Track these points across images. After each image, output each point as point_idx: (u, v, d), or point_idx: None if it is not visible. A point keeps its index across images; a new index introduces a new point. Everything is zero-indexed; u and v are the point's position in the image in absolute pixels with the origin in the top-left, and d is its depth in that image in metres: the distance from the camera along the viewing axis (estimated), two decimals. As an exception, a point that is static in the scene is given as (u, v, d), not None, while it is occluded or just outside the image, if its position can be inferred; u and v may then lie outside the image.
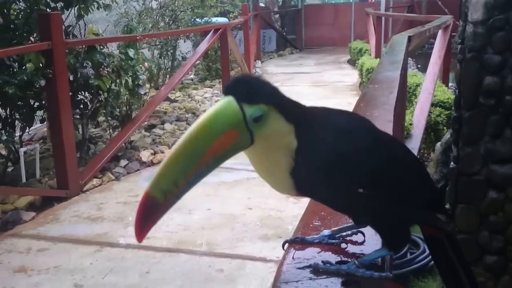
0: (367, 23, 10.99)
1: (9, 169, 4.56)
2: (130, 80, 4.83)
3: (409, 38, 3.79)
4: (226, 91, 0.75)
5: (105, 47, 4.89)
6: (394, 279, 0.81)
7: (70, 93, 4.39)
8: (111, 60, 4.74)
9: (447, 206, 3.15)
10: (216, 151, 0.75)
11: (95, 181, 4.45)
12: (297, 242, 0.89)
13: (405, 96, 3.65)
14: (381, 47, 9.05)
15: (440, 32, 5.95)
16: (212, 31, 7.08)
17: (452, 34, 6.17)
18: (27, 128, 4.66)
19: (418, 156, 4.56)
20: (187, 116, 6.70)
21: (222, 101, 0.75)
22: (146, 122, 5.98)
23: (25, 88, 4.03)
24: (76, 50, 4.61)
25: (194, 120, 5.24)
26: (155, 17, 8.29)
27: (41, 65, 4.01)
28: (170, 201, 0.77)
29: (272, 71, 10.90)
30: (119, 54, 4.79)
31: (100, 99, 4.87)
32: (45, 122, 4.92)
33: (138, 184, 4.47)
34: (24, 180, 4.32)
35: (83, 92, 4.83)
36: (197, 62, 8.38)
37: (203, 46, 6.91)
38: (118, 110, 5.16)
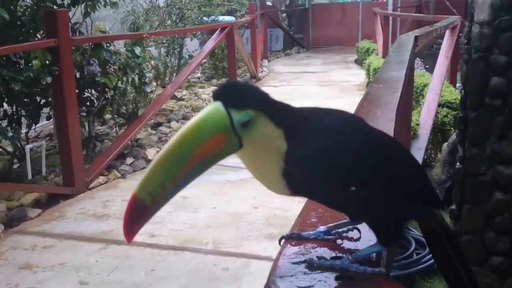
0: (375, 23, 10.95)
1: (15, 166, 4.58)
2: (136, 78, 4.84)
3: (416, 38, 3.77)
4: (214, 97, 0.76)
5: (112, 44, 4.91)
6: (387, 274, 0.82)
7: (77, 91, 4.40)
8: (118, 57, 4.75)
9: (453, 207, 3.13)
10: (204, 155, 0.76)
11: (101, 179, 4.47)
12: (293, 238, 0.91)
13: (412, 96, 3.63)
14: (389, 47, 9.01)
15: (447, 33, 5.92)
16: (218, 30, 7.08)
17: (460, 34, 6.12)
18: (33, 125, 4.68)
19: (425, 157, 4.55)
20: (193, 114, 6.69)
21: (209, 106, 0.76)
22: (152, 120, 6.00)
23: (31, 85, 4.06)
24: (83, 47, 4.63)
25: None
26: (162, 15, 8.30)
27: (47, 62, 4.03)
28: (158, 203, 0.78)
29: (279, 70, 10.89)
30: (126, 52, 4.80)
31: (106, 96, 4.88)
32: (52, 119, 4.94)
33: (144, 182, 4.48)
34: (30, 177, 4.34)
35: (89, 90, 4.85)
36: (204, 60, 8.38)
37: (210, 44, 6.91)
38: (124, 108, 5.17)
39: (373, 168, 0.82)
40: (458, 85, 6.21)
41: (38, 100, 4.48)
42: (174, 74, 8.11)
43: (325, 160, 0.78)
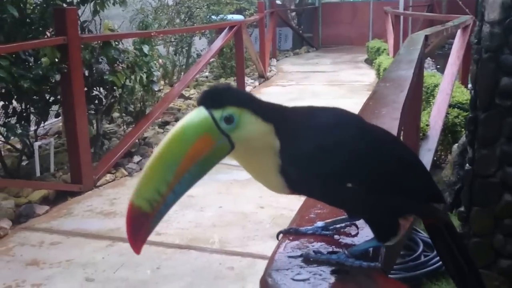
0: (386, 22, 10.87)
1: (24, 163, 4.61)
2: (144, 77, 4.85)
3: (426, 37, 3.73)
4: (198, 103, 0.78)
5: (121, 43, 4.92)
6: (383, 269, 0.82)
7: (85, 89, 4.42)
8: (126, 56, 4.76)
9: (462, 209, 3.09)
10: (194, 158, 0.76)
11: (108, 177, 4.49)
12: (291, 233, 0.91)
13: (421, 97, 3.59)
14: (400, 47, 8.95)
15: (459, 32, 5.86)
16: (227, 28, 7.06)
17: (472, 34, 6.06)
18: (42, 122, 4.71)
19: (435, 158, 4.51)
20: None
21: (193, 111, 0.78)
22: (160, 119, 6.01)
23: (40, 83, 4.08)
24: (92, 45, 4.65)
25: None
26: (170, 13, 8.32)
27: (56, 59, 4.05)
28: (158, 209, 0.78)
29: (288, 69, 10.86)
30: (134, 50, 4.81)
31: (114, 95, 4.90)
32: (60, 117, 4.97)
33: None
34: (38, 174, 4.37)
35: (98, 88, 4.87)
36: (212, 59, 8.37)
37: (218, 43, 6.90)
38: (132, 106, 5.19)
39: (368, 164, 0.82)
40: (469, 85, 6.14)
41: (47, 97, 4.50)
42: (182, 73, 8.12)
43: (320, 157, 0.78)
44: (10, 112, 4.32)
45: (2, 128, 4.27)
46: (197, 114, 0.76)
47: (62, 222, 3.70)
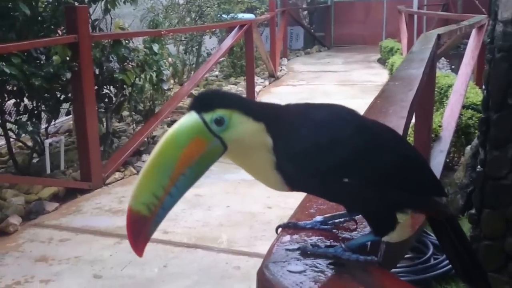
0: (399, 21, 10.76)
1: (35, 160, 4.65)
2: (154, 75, 4.86)
3: (439, 36, 3.68)
4: (189, 108, 0.80)
5: (131, 41, 4.94)
6: (379, 262, 0.83)
7: (96, 87, 4.44)
8: (136, 54, 4.78)
9: (473, 211, 3.05)
10: (188, 161, 0.78)
11: (117, 175, 4.50)
12: (290, 227, 0.93)
13: (433, 97, 3.55)
14: (413, 46, 8.85)
15: (474, 32, 5.77)
16: (237, 27, 7.03)
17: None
18: (53, 120, 4.74)
19: (447, 160, 4.45)
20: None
21: (184, 116, 0.80)
22: (169, 118, 6.02)
23: (51, 81, 4.10)
24: (102, 44, 4.67)
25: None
26: (181, 12, 8.32)
27: (67, 58, 4.07)
28: (156, 213, 0.79)
29: (298, 69, 10.80)
30: (144, 49, 4.82)
31: (124, 93, 4.92)
32: (71, 115, 5.00)
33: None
34: (48, 171, 4.41)
35: (108, 86, 4.89)
36: (222, 58, 8.34)
37: (228, 42, 6.87)
38: (141, 105, 5.21)
39: (364, 159, 0.82)
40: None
41: (58, 95, 4.53)
42: (192, 72, 8.14)
43: (314, 153, 0.79)
44: (22, 110, 4.36)
45: (14, 125, 4.31)
46: (188, 119, 0.78)
47: (71, 219, 3.73)
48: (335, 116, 0.86)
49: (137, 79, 4.73)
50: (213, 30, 8.66)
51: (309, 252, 0.83)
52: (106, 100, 4.85)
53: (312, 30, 14.70)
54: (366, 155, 0.83)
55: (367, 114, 1.35)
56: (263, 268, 0.78)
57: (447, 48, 7.92)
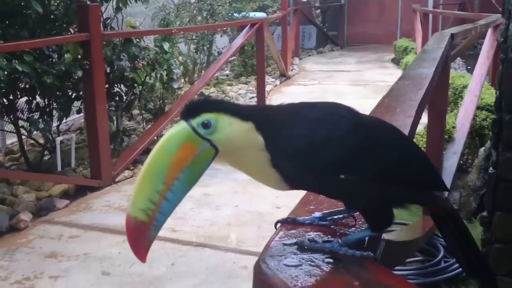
0: (414, 20, 10.63)
1: (46, 158, 4.69)
2: (164, 74, 4.87)
3: (452, 36, 3.63)
4: (179, 118, 0.84)
5: (142, 40, 4.95)
6: (376, 258, 0.83)
7: (106, 85, 4.47)
8: (147, 53, 4.79)
9: (485, 213, 2.99)
10: (180, 166, 0.80)
11: (126, 173, 4.52)
12: (288, 222, 0.94)
13: (446, 97, 3.49)
14: (427, 46, 8.74)
15: (489, 31, 5.68)
16: (248, 26, 7.00)
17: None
18: (64, 118, 4.78)
19: (461, 162, 4.40)
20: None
21: (174, 125, 0.84)
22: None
23: (63, 78, 4.13)
24: (113, 42, 4.69)
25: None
26: (192, 11, 8.33)
27: (79, 56, 4.09)
28: (155, 217, 0.81)
29: (310, 68, 10.74)
30: (155, 48, 4.83)
31: (135, 92, 4.94)
32: (82, 113, 5.04)
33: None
34: (59, 168, 4.44)
35: (118, 85, 4.91)
36: (233, 57, 8.31)
37: (238, 40, 6.85)
38: (152, 103, 5.22)
39: (360, 155, 0.83)
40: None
41: (70, 93, 4.56)
42: (203, 71, 8.14)
43: (309, 149, 0.80)
44: (34, 107, 4.40)
45: (26, 122, 4.35)
46: (176, 127, 0.82)
47: (81, 216, 3.76)
48: (330, 112, 0.86)
49: (147, 77, 4.74)
50: (224, 29, 8.64)
51: (306, 247, 0.84)
52: (117, 98, 4.87)
53: (325, 29, 14.54)
54: (362, 151, 0.83)
55: (374, 113, 1.33)
56: (260, 262, 0.79)
57: (463, 48, 7.81)
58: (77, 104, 4.82)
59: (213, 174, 3.92)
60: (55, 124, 4.73)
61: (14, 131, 4.48)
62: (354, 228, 0.93)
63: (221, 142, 0.81)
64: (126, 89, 4.89)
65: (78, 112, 5.03)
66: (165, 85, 5.06)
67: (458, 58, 8.92)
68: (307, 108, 0.86)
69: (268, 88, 8.08)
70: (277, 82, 9.05)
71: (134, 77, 4.59)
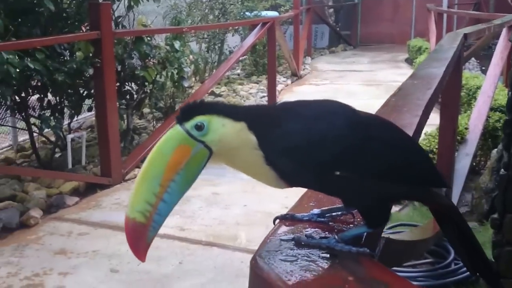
0: (428, 20, 10.51)
1: (57, 155, 4.73)
2: (175, 73, 4.88)
3: (465, 36, 3.58)
4: (175, 121, 0.85)
5: (153, 38, 4.96)
6: (372, 255, 0.84)
7: (117, 84, 4.48)
8: (158, 51, 4.80)
9: (495, 215, 2.94)
10: (176, 168, 0.82)
11: (136, 171, 4.53)
12: (287, 218, 0.95)
13: (458, 97, 3.45)
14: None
15: (504, 31, 5.59)
16: (259, 25, 6.97)
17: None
18: (76, 116, 4.81)
19: (474, 164, 4.34)
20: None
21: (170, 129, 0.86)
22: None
23: (74, 76, 4.16)
24: (125, 40, 4.70)
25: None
26: (204, 10, 8.33)
27: (90, 54, 4.12)
28: (153, 218, 0.83)
29: (322, 68, 10.68)
30: (165, 46, 4.84)
31: (145, 90, 4.95)
32: (93, 111, 5.07)
33: (178, 176, 4.53)
34: (70, 166, 4.47)
35: (129, 83, 4.93)
36: (244, 57, 8.28)
37: (250, 40, 6.83)
38: (162, 102, 5.23)
39: (356, 152, 0.83)
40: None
41: (81, 91, 4.59)
42: (214, 70, 8.13)
43: (303, 145, 0.81)
44: (45, 105, 4.44)
45: (37, 120, 4.39)
46: (171, 130, 0.84)
47: (90, 213, 3.78)
48: (324, 110, 0.87)
49: (158, 76, 4.75)
50: (236, 28, 8.63)
51: (303, 243, 0.85)
52: (128, 96, 4.89)
53: (338, 29, 14.40)
54: (358, 147, 0.83)
55: (380, 112, 1.31)
56: (256, 256, 0.80)
57: (477, 49, 7.70)
58: (88, 102, 4.84)
59: (222, 173, 3.91)
60: (66, 121, 4.76)
61: (26, 128, 4.52)
62: (352, 225, 0.93)
63: (214, 143, 0.83)
64: (137, 88, 4.91)
65: (89, 110, 5.05)
66: (176, 84, 5.07)
67: (473, 58, 8.80)
68: (302, 106, 0.87)
69: (279, 87, 8.05)
70: (289, 81, 9.02)
71: (145, 75, 4.60)
